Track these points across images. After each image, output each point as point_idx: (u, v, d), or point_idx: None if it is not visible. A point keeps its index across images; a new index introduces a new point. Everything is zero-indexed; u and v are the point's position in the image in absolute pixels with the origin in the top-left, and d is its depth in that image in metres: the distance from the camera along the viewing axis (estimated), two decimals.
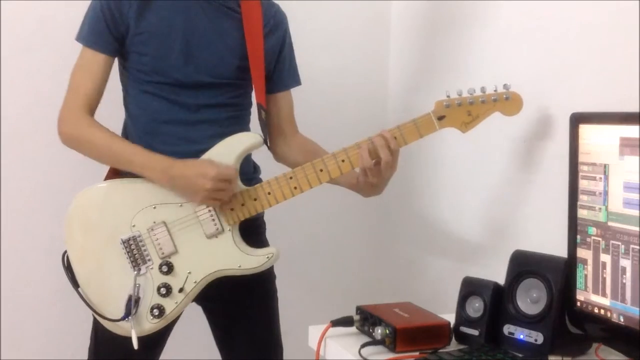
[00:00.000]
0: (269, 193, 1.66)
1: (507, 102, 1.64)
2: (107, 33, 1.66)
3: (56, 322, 2.20)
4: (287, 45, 1.83)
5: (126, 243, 1.65)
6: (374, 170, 1.64)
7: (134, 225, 1.65)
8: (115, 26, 1.66)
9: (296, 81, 1.87)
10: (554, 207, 1.67)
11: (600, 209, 1.39)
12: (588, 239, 1.42)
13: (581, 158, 1.44)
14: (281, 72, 1.83)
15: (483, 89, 1.63)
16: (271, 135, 1.87)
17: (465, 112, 1.64)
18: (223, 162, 1.64)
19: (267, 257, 1.67)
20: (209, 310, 1.83)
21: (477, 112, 1.64)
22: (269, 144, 1.83)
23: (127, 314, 1.62)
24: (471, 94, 1.63)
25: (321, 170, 1.66)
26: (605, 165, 1.38)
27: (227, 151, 1.67)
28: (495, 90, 1.63)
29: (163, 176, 1.63)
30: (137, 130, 1.72)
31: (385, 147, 1.61)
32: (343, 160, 1.65)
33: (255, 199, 1.66)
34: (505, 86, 1.63)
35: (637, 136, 1.31)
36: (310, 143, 1.88)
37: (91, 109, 1.68)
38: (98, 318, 1.68)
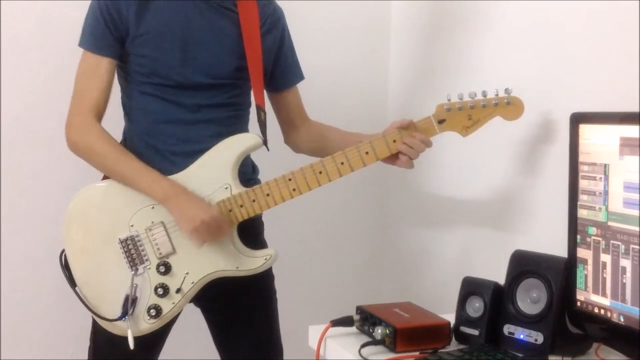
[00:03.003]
0: (268, 195, 1.66)
1: (508, 106, 1.63)
2: (108, 36, 1.65)
3: (56, 322, 2.20)
4: (287, 42, 1.83)
5: (124, 243, 1.65)
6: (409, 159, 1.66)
7: (132, 225, 1.65)
8: (116, 28, 1.65)
9: (300, 76, 1.88)
10: (554, 207, 1.67)
11: (600, 208, 1.39)
12: (588, 239, 1.42)
13: (581, 158, 1.44)
14: (284, 69, 1.83)
15: (484, 93, 1.62)
16: (284, 130, 1.90)
17: (466, 116, 1.64)
18: (225, 165, 1.65)
19: (265, 259, 1.67)
20: (207, 311, 1.83)
21: (478, 116, 1.64)
22: (269, 144, 1.83)
23: (124, 313, 1.62)
24: (472, 98, 1.63)
25: (320, 173, 1.65)
26: (605, 165, 1.38)
27: (227, 151, 1.67)
28: (496, 95, 1.62)
29: (162, 201, 1.63)
30: (136, 130, 1.72)
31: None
32: (342, 163, 1.65)
33: (253, 200, 1.66)
34: (506, 90, 1.62)
35: (637, 136, 1.31)
36: (318, 126, 1.90)
37: (99, 114, 1.67)
38: (95, 317, 1.68)
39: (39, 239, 2.15)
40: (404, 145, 1.64)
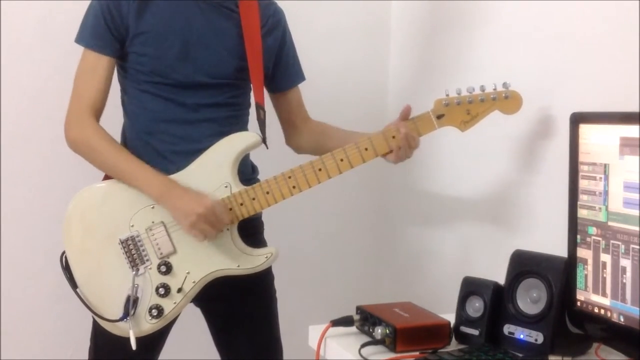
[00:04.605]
0: (268, 192, 1.66)
1: (507, 100, 1.64)
2: (108, 34, 1.66)
3: (56, 322, 2.20)
4: (288, 43, 1.83)
5: (124, 243, 1.65)
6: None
7: (132, 225, 1.65)
8: (116, 27, 1.66)
9: (301, 77, 1.88)
10: (554, 207, 1.67)
11: (600, 208, 1.39)
12: (588, 239, 1.42)
13: (581, 158, 1.44)
14: (285, 70, 1.84)
15: (482, 88, 1.64)
16: (286, 131, 1.90)
17: (464, 110, 1.64)
18: (224, 164, 1.65)
19: (266, 257, 1.67)
20: (207, 311, 1.83)
21: (477, 111, 1.65)
22: (268, 143, 1.83)
23: (126, 314, 1.62)
24: (470, 93, 1.64)
25: (320, 170, 1.66)
26: (605, 165, 1.38)
27: (226, 150, 1.67)
28: (494, 89, 1.64)
29: (158, 198, 1.63)
30: (136, 129, 1.72)
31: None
32: (342, 160, 1.65)
33: (253, 199, 1.66)
34: (504, 85, 1.64)
35: (637, 136, 1.31)
36: (319, 125, 1.90)
37: (97, 112, 1.68)
38: (96, 318, 1.68)
39: (39, 239, 2.15)
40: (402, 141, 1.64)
